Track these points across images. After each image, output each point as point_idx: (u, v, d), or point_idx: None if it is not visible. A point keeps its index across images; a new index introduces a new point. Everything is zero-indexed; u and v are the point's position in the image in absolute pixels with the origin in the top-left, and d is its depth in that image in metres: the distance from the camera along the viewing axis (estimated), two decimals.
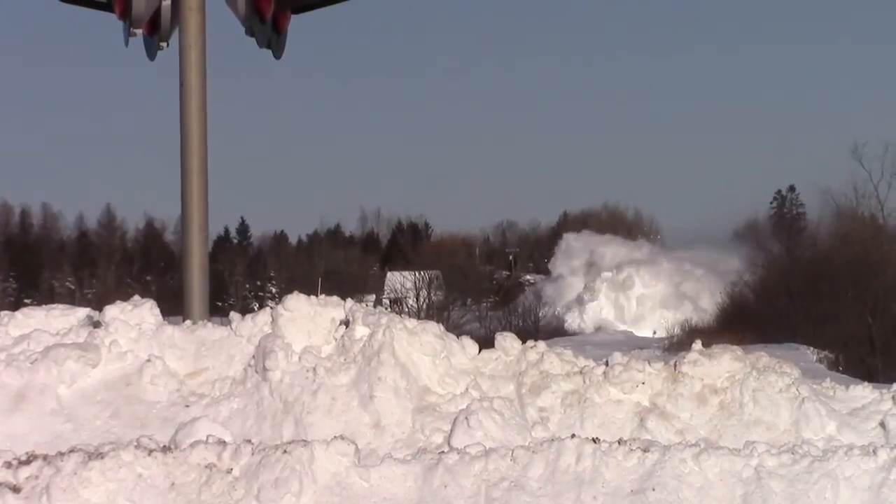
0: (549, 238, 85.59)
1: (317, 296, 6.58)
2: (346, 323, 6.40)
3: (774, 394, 6.55)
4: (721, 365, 6.65)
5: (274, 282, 77.56)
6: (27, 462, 5.05)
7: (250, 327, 6.36)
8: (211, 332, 6.36)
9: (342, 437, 5.41)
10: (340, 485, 5.25)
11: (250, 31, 7.89)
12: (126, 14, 7.72)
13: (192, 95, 7.54)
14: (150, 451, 5.16)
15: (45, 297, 56.71)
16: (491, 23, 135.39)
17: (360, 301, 8.14)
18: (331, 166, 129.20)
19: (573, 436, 5.76)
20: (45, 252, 78.90)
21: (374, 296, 67.13)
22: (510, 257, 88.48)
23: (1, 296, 69.10)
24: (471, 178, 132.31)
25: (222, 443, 5.29)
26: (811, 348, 34.64)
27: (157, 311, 6.37)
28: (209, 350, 6.27)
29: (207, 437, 5.33)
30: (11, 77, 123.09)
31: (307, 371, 6.09)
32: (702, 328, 46.86)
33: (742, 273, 56.47)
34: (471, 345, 6.58)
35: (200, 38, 7.59)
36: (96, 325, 6.32)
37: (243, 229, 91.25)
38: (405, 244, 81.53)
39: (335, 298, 6.62)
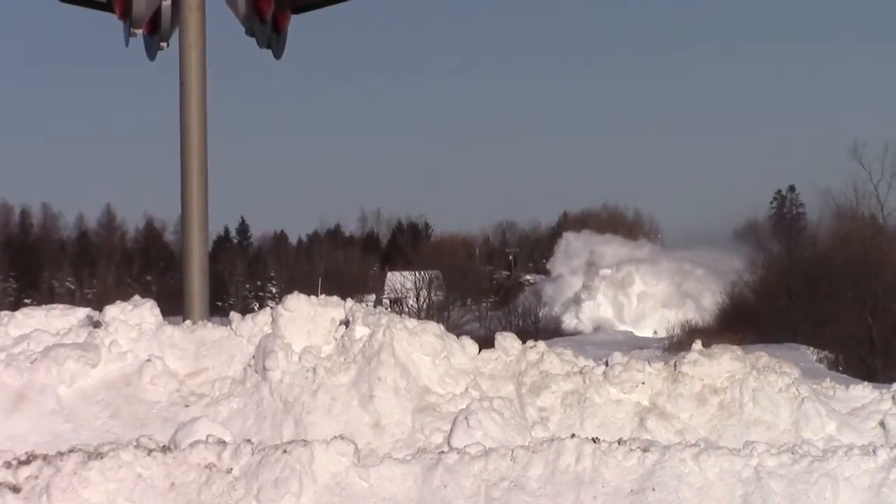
0: (549, 238, 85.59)
1: (317, 296, 6.58)
2: (346, 323, 6.40)
3: (774, 394, 6.55)
4: (721, 365, 6.65)
5: (274, 282, 77.57)
6: (27, 462, 5.05)
7: (250, 327, 6.36)
8: (211, 332, 6.36)
9: (342, 437, 5.41)
10: (340, 485, 5.25)
11: (250, 31, 7.88)
12: (126, 14, 7.72)
13: (192, 95, 7.54)
14: (150, 451, 5.16)
15: (45, 297, 56.71)
16: (491, 23, 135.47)
17: (360, 301, 8.14)
18: (331, 166, 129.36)
19: (573, 436, 5.76)
20: (45, 252, 78.90)
21: (374, 296, 67.14)
22: (510, 257, 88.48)
23: (1, 296, 69.10)
24: (471, 178, 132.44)
25: (222, 443, 5.29)
26: (811, 348, 34.65)
27: (157, 311, 6.37)
28: (209, 350, 6.27)
29: (207, 436, 5.33)
30: (11, 77, 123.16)
31: (307, 371, 6.10)
32: (702, 328, 46.87)
33: (742, 273, 56.44)
34: (471, 345, 6.59)
35: (200, 38, 7.59)
36: (96, 325, 6.32)
37: (243, 229, 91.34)
38: (405, 244, 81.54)
39: (335, 298, 6.62)
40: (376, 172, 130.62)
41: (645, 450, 5.58)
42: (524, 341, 6.79)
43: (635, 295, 70.31)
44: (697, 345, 6.88)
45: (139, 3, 7.66)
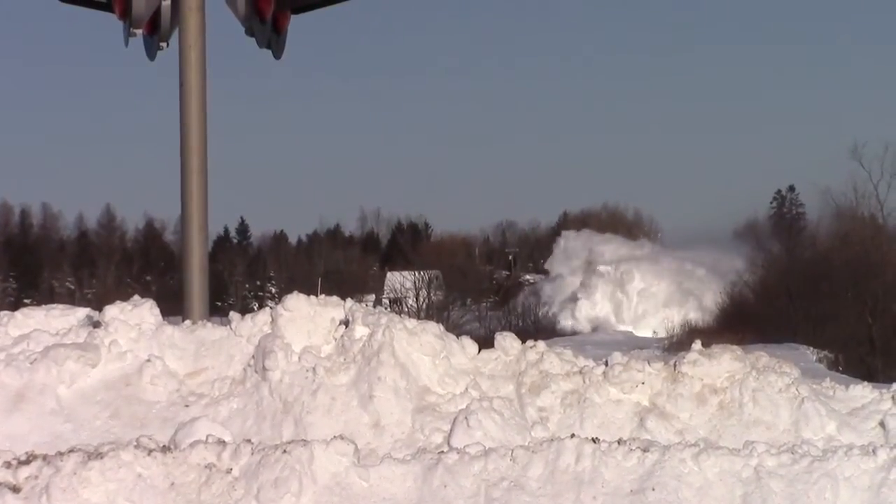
0: (548, 238, 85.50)
1: (316, 296, 6.58)
2: (346, 323, 6.40)
3: (774, 394, 6.55)
4: (721, 365, 6.65)
5: (274, 282, 77.56)
6: (27, 462, 5.05)
7: (250, 327, 6.36)
8: (211, 332, 6.36)
9: (342, 437, 5.41)
10: (340, 485, 5.25)
11: (250, 31, 7.88)
12: (126, 14, 7.72)
13: (192, 95, 7.54)
14: (150, 451, 5.16)
15: (45, 297, 56.69)
16: (491, 23, 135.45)
17: (360, 301, 8.15)
18: (331, 166, 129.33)
19: (573, 436, 5.76)
20: (44, 252, 78.91)
21: (373, 296, 67.12)
22: (510, 257, 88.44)
23: (1, 296, 69.09)
24: (471, 178, 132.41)
25: (222, 443, 5.29)
26: (811, 348, 34.64)
27: (156, 311, 6.37)
28: (209, 350, 6.27)
29: (207, 437, 5.33)
30: (11, 77, 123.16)
31: (307, 371, 6.10)
32: (702, 328, 46.85)
33: (742, 273, 56.42)
34: (470, 345, 6.58)
35: (200, 38, 7.59)
36: (96, 325, 6.32)
37: (243, 229, 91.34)
38: (405, 244, 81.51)
39: (335, 298, 6.62)
40: (376, 172, 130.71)
41: (645, 450, 5.58)
42: (524, 341, 6.79)
43: (635, 293, 69.88)
44: (697, 345, 6.88)
45: (139, 3, 7.66)
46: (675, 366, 6.68)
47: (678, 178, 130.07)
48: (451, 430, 5.94)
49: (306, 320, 6.37)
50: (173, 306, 7.82)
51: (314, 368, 6.10)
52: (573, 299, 70.09)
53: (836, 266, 42.65)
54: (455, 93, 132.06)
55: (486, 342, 6.78)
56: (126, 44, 7.93)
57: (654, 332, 57.78)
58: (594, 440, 5.68)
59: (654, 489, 5.46)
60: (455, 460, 5.41)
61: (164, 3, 7.68)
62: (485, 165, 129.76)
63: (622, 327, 65.67)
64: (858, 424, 6.54)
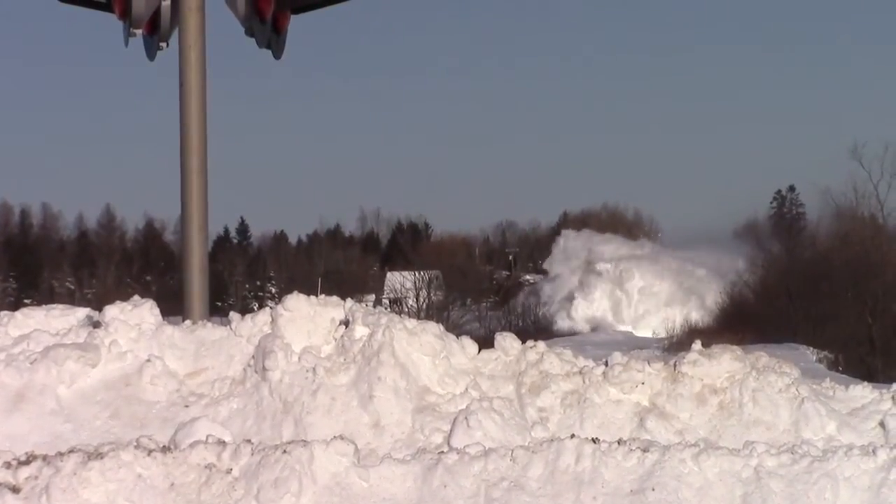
0: (548, 238, 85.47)
1: (316, 296, 6.58)
2: (346, 323, 6.40)
3: (774, 394, 6.55)
4: (721, 365, 6.64)
5: (274, 282, 77.56)
6: (27, 462, 5.05)
7: (250, 327, 6.36)
8: (211, 332, 6.36)
9: (342, 437, 5.41)
10: (340, 485, 5.25)
11: (250, 31, 7.88)
12: (126, 14, 7.71)
13: (192, 95, 7.54)
14: (150, 452, 5.16)
15: (45, 297, 56.70)
16: (491, 23, 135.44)
17: (360, 301, 8.14)
18: (331, 166, 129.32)
19: (573, 436, 5.76)
20: (44, 252, 78.91)
21: (373, 296, 67.11)
22: (510, 257, 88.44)
23: (1, 296, 69.09)
24: (471, 178, 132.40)
25: (222, 443, 5.29)
26: (811, 348, 34.64)
27: (156, 311, 6.37)
28: (209, 350, 6.27)
29: (207, 437, 5.33)
30: (11, 77, 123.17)
31: (307, 371, 6.10)
32: (702, 328, 46.83)
33: (742, 273, 56.39)
34: (470, 345, 6.58)
35: (200, 38, 7.59)
36: (96, 325, 6.32)
37: (243, 229, 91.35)
38: (405, 244, 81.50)
39: (335, 298, 6.61)
40: (376, 172, 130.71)
41: (645, 450, 5.58)
42: (524, 341, 6.79)
43: (634, 292, 69.33)
44: (697, 345, 6.88)
45: (139, 3, 7.66)
46: (675, 366, 6.68)
47: (678, 178, 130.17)
48: (451, 431, 5.94)
49: (306, 320, 6.37)
50: (173, 306, 7.81)
51: (314, 368, 6.10)
52: (570, 298, 69.56)
53: (836, 266, 42.65)
54: (455, 93, 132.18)
55: (486, 342, 6.78)
56: (126, 44, 7.93)
57: (654, 332, 57.71)
58: (594, 440, 5.68)
59: (654, 489, 5.46)
60: (455, 460, 5.41)
61: (164, 3, 7.68)
62: (485, 165, 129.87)
63: (622, 327, 65.44)
64: (858, 424, 6.54)
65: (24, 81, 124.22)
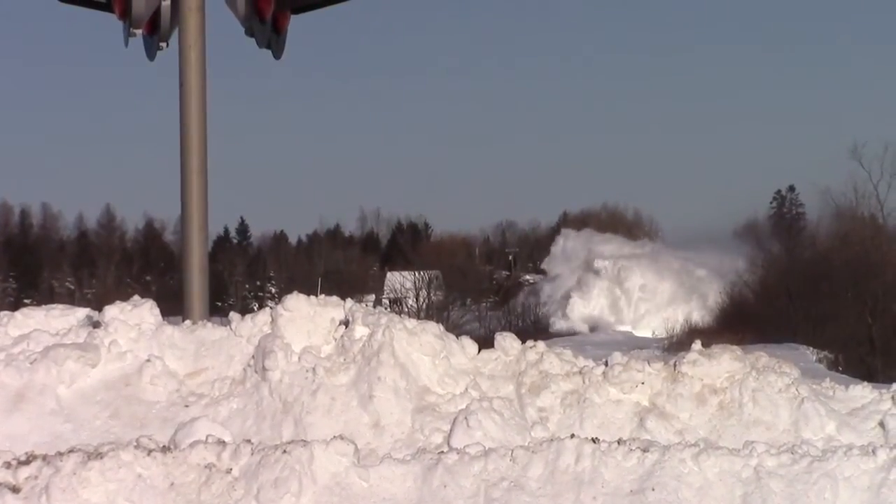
0: (548, 238, 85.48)
1: (316, 296, 6.58)
2: (346, 323, 6.40)
3: (774, 394, 6.55)
4: (720, 365, 6.65)
5: (273, 282, 77.57)
6: (27, 462, 5.05)
7: (250, 327, 6.36)
8: (211, 332, 6.36)
9: (341, 437, 5.41)
10: (340, 485, 5.25)
11: (250, 31, 7.88)
12: (126, 14, 7.71)
13: (192, 95, 7.54)
14: (150, 452, 5.16)
15: (45, 297, 56.69)
16: (491, 23, 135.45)
17: (360, 301, 8.15)
18: (331, 166, 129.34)
19: (572, 436, 5.76)
20: (44, 252, 78.92)
21: (373, 296, 67.10)
22: (510, 257, 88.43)
23: (1, 296, 69.09)
24: (471, 178, 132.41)
25: (222, 443, 5.29)
26: (811, 348, 34.65)
27: (156, 311, 6.37)
28: (209, 350, 6.27)
29: (207, 437, 5.33)
30: (11, 77, 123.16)
31: (307, 371, 6.10)
32: (701, 328, 46.83)
33: (742, 273, 56.37)
34: (470, 345, 6.58)
35: (200, 38, 7.59)
36: (96, 325, 6.32)
37: (243, 229, 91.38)
38: (405, 244, 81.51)
39: (335, 298, 6.61)
40: (376, 172, 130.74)
41: (645, 450, 5.58)
42: (524, 341, 6.79)
43: (634, 290, 68.72)
44: (697, 345, 6.88)
45: (139, 3, 7.66)
46: (674, 366, 6.68)
47: (678, 178, 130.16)
48: (451, 431, 5.94)
49: (306, 320, 6.37)
50: (173, 306, 7.81)
51: (314, 368, 6.10)
52: (566, 297, 68.58)
53: (836, 266, 42.67)
54: (455, 93, 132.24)
55: (486, 342, 6.78)
56: (126, 44, 7.93)
57: (654, 332, 57.62)
58: (594, 440, 5.68)
59: (654, 489, 5.46)
60: (455, 460, 5.41)
61: (164, 3, 7.68)
62: (485, 165, 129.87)
63: (622, 327, 65.18)
64: (858, 424, 6.54)
65: (24, 81, 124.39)
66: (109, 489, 5.01)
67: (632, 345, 41.23)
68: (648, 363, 6.70)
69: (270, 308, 6.52)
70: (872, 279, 39.76)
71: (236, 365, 6.21)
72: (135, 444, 5.21)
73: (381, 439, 5.94)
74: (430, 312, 54.81)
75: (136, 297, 6.50)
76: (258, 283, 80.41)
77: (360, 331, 6.29)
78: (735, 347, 6.97)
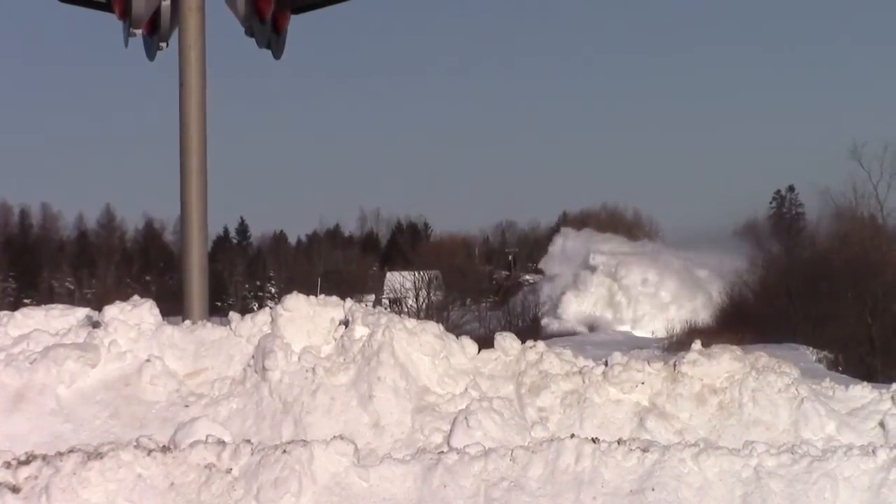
0: (548, 238, 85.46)
1: (316, 296, 6.58)
2: (346, 323, 6.40)
3: (774, 394, 6.55)
4: (720, 365, 6.65)
5: (273, 282, 77.58)
6: (26, 462, 5.05)
7: (250, 327, 6.36)
8: (210, 332, 6.36)
9: (341, 437, 5.41)
10: (340, 485, 5.25)
11: (250, 31, 7.88)
12: (126, 14, 7.71)
13: (191, 95, 7.54)
14: (150, 451, 5.16)
15: (45, 297, 56.69)
16: (491, 23, 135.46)
17: (360, 301, 8.15)
18: (330, 166, 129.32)
19: (572, 436, 5.76)
20: (44, 252, 78.91)
21: (373, 296, 67.10)
22: (510, 257, 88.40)
23: (1, 296, 69.09)
24: (470, 178, 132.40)
25: (222, 443, 5.29)
26: (811, 348, 34.67)
27: (156, 311, 6.37)
28: (208, 350, 6.27)
29: (207, 437, 5.33)
30: (11, 77, 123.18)
31: (306, 371, 6.10)
32: (702, 328, 46.82)
33: (742, 273, 56.32)
34: (470, 345, 6.58)
35: (200, 38, 7.59)
36: (96, 325, 6.32)
37: (243, 229, 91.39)
38: (405, 244, 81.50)
39: (334, 298, 6.61)
40: (376, 172, 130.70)
41: (644, 450, 5.58)
42: (523, 341, 6.79)
43: (633, 287, 67.65)
44: (697, 345, 6.88)
45: (139, 3, 7.66)
46: (674, 366, 6.68)
47: (678, 178, 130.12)
48: (450, 431, 5.94)
49: (306, 320, 6.37)
50: (173, 306, 7.81)
51: (314, 368, 6.10)
52: (563, 296, 67.10)
53: (836, 266, 42.68)
54: (455, 93, 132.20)
55: (486, 342, 6.78)
56: (126, 44, 7.93)
57: (653, 332, 57.51)
58: (594, 440, 5.68)
59: (653, 489, 5.46)
60: (455, 460, 5.41)
61: (163, 3, 7.68)
62: (485, 165, 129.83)
63: (621, 327, 64.84)
64: (858, 424, 6.54)
65: (24, 81, 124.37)
66: (109, 489, 5.01)
67: (632, 345, 41.22)
68: (648, 363, 6.70)
69: (270, 308, 6.52)
70: (872, 279, 39.78)
71: (236, 365, 6.21)
72: (135, 444, 5.21)
73: (381, 439, 5.94)
74: (429, 312, 54.82)
75: (136, 297, 6.50)
76: (258, 283, 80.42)
77: (359, 331, 6.29)
78: (735, 347, 6.97)
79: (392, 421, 6.02)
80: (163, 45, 7.85)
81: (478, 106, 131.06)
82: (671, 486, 5.47)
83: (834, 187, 68.51)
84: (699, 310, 60.36)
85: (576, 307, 66.59)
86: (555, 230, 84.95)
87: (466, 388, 6.26)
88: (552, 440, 5.68)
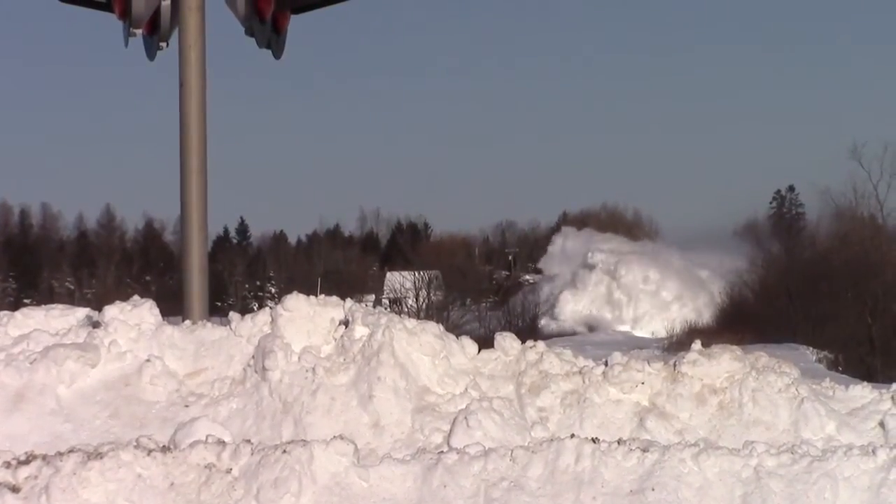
0: (548, 238, 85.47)
1: (316, 296, 6.58)
2: (346, 323, 6.40)
3: (774, 394, 6.55)
4: (720, 365, 6.65)
5: (273, 282, 77.57)
6: (26, 462, 5.05)
7: (250, 327, 6.36)
8: (210, 332, 6.36)
9: (341, 437, 5.41)
10: (340, 485, 5.25)
11: (250, 31, 7.88)
12: (126, 14, 7.72)
13: (191, 95, 7.54)
14: (150, 451, 5.16)
15: (45, 297, 56.69)
16: (491, 23, 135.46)
17: (360, 301, 8.15)
18: (330, 166, 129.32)
19: (572, 436, 5.76)
20: (44, 252, 78.91)
21: (373, 296, 67.08)
22: (510, 257, 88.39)
23: (0, 296, 69.08)
24: (470, 178, 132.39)
25: (221, 443, 5.29)
26: (811, 348, 34.68)
27: (156, 311, 6.37)
28: (209, 350, 6.27)
29: (207, 437, 5.33)
30: (11, 77, 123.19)
31: (306, 371, 6.10)
32: (702, 328, 46.83)
33: (742, 273, 56.29)
34: (470, 345, 6.58)
35: (200, 38, 7.59)
36: (96, 325, 6.32)
37: (243, 229, 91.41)
38: (404, 244, 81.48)
39: (334, 298, 6.61)
40: (376, 172, 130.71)
41: (644, 450, 5.58)
42: (523, 341, 6.79)
43: (634, 285, 67.21)
44: (697, 345, 6.88)
45: (138, 3, 7.66)
46: (674, 366, 6.68)
47: (678, 178, 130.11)
48: (450, 430, 5.94)
49: (306, 320, 6.37)
50: (173, 306, 7.81)
51: (314, 368, 6.10)
52: (561, 295, 66.59)
53: (836, 266, 42.69)
54: (455, 93, 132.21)
55: (486, 342, 6.78)
56: (126, 44, 7.93)
57: (653, 332, 57.43)
58: (594, 440, 5.68)
59: (653, 489, 5.46)
60: (455, 460, 5.41)
61: (163, 3, 7.68)
62: (485, 165, 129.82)
63: (621, 327, 64.67)
64: (858, 424, 6.54)
65: (24, 81, 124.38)
66: (109, 489, 5.01)
67: (632, 345, 41.22)
68: (648, 363, 6.70)
69: (270, 308, 6.52)
70: (872, 279, 39.79)
71: (236, 365, 6.22)
72: (135, 444, 5.22)
73: (381, 439, 5.94)
74: (429, 312, 54.81)
75: (136, 297, 6.50)
76: (258, 283, 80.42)
77: (359, 331, 6.29)
78: (735, 347, 6.96)
79: (392, 421, 6.02)
80: (163, 45, 7.86)
81: (478, 106, 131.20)
82: (671, 486, 5.47)
83: (834, 187, 68.53)
84: (702, 309, 60.18)
85: (573, 307, 66.10)
86: (555, 230, 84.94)
87: (466, 388, 6.26)
88: (552, 440, 5.68)
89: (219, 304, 59.48)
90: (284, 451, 5.24)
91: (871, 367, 33.58)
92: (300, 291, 6.59)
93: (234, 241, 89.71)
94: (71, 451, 5.13)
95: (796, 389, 6.59)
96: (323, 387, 6.05)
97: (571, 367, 6.62)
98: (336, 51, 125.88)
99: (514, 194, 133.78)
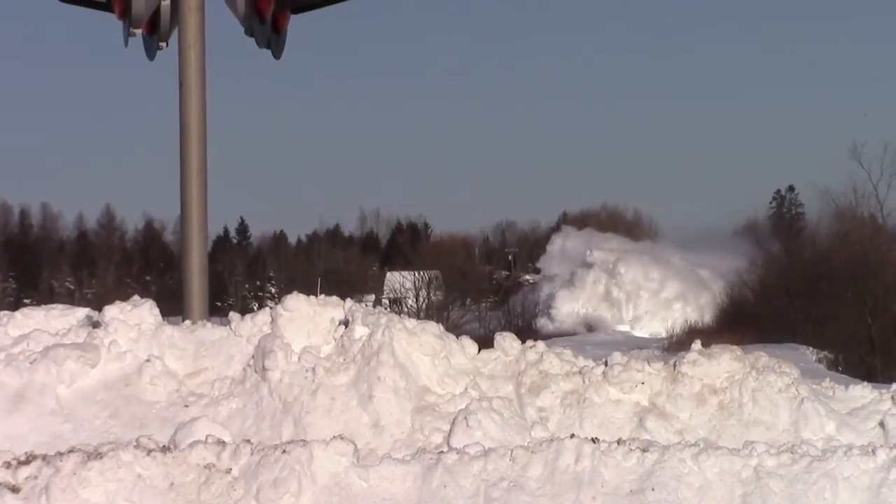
0: (548, 238, 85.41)
1: (316, 296, 6.58)
2: (346, 323, 6.40)
3: (774, 394, 6.55)
4: (720, 365, 6.65)
5: (273, 282, 77.56)
6: (26, 462, 5.05)
7: (250, 327, 6.36)
8: (210, 332, 6.36)
9: (341, 437, 5.41)
10: (339, 485, 5.25)
11: (250, 31, 7.88)
12: (126, 14, 7.72)
13: (191, 95, 7.54)
14: (150, 452, 5.16)
15: (45, 297, 56.68)
16: (491, 23, 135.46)
17: (360, 301, 8.15)
18: (330, 166, 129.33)
19: (572, 436, 5.76)
20: (44, 252, 78.92)
21: (373, 296, 67.06)
22: (509, 257, 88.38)
23: (0, 296, 69.09)
24: (470, 178, 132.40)
25: (221, 443, 5.29)
26: (811, 348, 34.65)
27: (156, 311, 6.37)
28: (208, 350, 6.27)
29: (207, 437, 5.33)
30: (11, 77, 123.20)
31: (306, 371, 6.10)
32: (702, 328, 46.80)
33: (742, 273, 56.25)
34: (470, 345, 6.59)
35: (200, 38, 7.59)
36: (96, 325, 6.32)
37: (243, 229, 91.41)
38: (404, 244, 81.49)
39: (334, 298, 6.62)
40: (376, 172, 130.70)
41: (644, 450, 5.58)
42: (523, 341, 6.79)
43: (634, 284, 66.93)
44: (697, 345, 6.88)
45: (138, 3, 7.66)
46: (674, 366, 6.68)
47: (678, 178, 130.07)
48: (450, 430, 5.94)
49: (306, 320, 6.37)
50: (173, 306, 7.82)
51: (314, 368, 6.10)
52: (559, 293, 65.26)
53: (836, 266, 42.67)
54: (455, 93, 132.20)
55: (485, 342, 6.78)
56: (126, 44, 7.93)
57: (650, 333, 57.30)
58: (594, 440, 5.68)
59: (653, 489, 5.46)
60: (455, 460, 5.41)
61: (163, 3, 7.68)
62: (485, 165, 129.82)
63: (621, 327, 64.44)
64: (858, 424, 6.54)
65: (24, 81, 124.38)
66: (109, 489, 5.01)
67: (631, 345, 41.17)
68: (648, 363, 6.70)
69: (270, 308, 6.52)
70: (872, 279, 39.77)
71: (236, 365, 6.22)
72: (134, 444, 5.22)
73: (381, 439, 5.94)
74: (429, 312, 54.81)
75: (136, 297, 6.51)
76: (258, 283, 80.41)
77: (359, 331, 6.30)
78: (735, 347, 6.96)
79: (392, 421, 6.02)
80: (163, 44, 7.86)
81: (478, 106, 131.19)
82: (671, 486, 5.47)
83: (834, 187, 68.44)
84: (702, 309, 59.99)
85: (570, 306, 64.85)
86: (555, 230, 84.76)
87: (466, 388, 6.26)
88: (552, 440, 5.68)
89: (219, 304, 59.46)
90: (284, 451, 5.24)
91: (871, 367, 33.56)
92: (300, 291, 6.60)
93: (234, 241, 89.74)
94: (71, 451, 5.13)
95: (796, 389, 6.59)
96: (323, 387, 6.05)
97: (571, 367, 6.62)
98: (336, 51, 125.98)
99: (514, 194, 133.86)
